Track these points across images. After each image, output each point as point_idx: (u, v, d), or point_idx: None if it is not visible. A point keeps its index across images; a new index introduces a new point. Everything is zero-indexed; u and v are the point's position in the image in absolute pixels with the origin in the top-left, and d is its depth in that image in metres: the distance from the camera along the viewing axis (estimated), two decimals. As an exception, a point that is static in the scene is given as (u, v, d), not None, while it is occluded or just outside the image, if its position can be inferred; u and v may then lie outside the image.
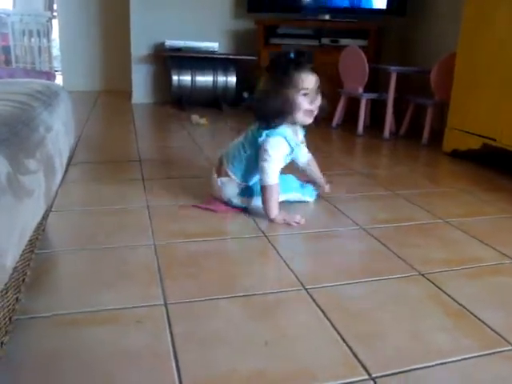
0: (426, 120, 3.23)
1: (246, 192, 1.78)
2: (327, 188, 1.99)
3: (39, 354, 0.96)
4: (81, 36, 5.35)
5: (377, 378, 0.92)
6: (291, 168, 1.89)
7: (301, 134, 1.83)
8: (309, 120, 1.71)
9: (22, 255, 0.94)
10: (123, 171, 2.27)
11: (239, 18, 4.45)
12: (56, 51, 5.94)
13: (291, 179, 1.92)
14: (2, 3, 6.36)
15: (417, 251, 1.50)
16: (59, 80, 5.52)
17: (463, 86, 2.76)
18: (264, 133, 1.69)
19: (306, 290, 1.23)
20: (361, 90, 3.44)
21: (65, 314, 1.09)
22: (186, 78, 4.20)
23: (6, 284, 0.84)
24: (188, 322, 1.07)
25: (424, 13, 3.91)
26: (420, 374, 0.94)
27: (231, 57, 4.33)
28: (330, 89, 1.88)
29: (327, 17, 4.08)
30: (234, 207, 1.79)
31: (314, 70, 1.70)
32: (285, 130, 1.70)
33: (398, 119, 3.59)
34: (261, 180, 1.70)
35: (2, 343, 0.88)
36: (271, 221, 1.68)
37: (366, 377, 0.92)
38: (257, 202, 1.75)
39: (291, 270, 1.33)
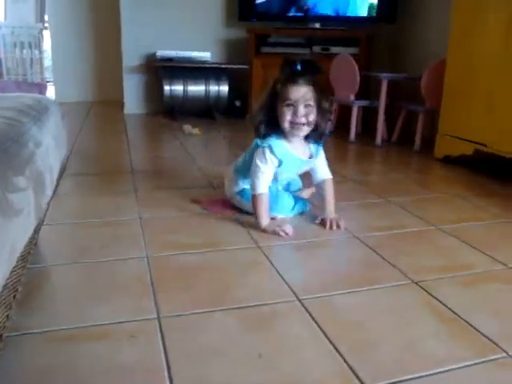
0: (417, 126, 3.24)
1: (243, 194, 1.83)
2: (334, 223, 1.74)
3: (31, 370, 0.95)
4: (72, 47, 5.33)
5: (371, 388, 0.92)
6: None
7: (312, 149, 1.79)
8: (297, 132, 1.68)
9: (12, 271, 0.93)
10: (116, 183, 2.27)
11: (231, 27, 4.46)
12: (48, 62, 5.94)
13: (286, 198, 1.84)
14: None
15: (410, 259, 1.50)
16: (51, 91, 5.52)
17: (453, 92, 2.77)
18: (256, 141, 1.72)
19: (300, 300, 1.23)
20: (352, 97, 3.45)
21: (57, 330, 1.08)
22: (178, 88, 4.20)
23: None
24: (181, 336, 1.07)
25: (413, 20, 3.93)
26: (415, 383, 0.94)
27: (223, 66, 4.34)
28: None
29: (318, 25, 4.10)
30: (232, 209, 1.85)
31: (315, 82, 1.65)
32: (276, 140, 1.69)
33: (389, 126, 3.60)
34: (251, 188, 1.72)
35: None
36: (262, 230, 1.68)
37: (361, 388, 0.92)
38: (249, 207, 1.77)
39: (285, 281, 1.33)
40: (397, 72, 3.82)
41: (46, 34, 5.67)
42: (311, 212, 1.89)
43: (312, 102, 1.65)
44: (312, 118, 1.66)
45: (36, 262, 1.40)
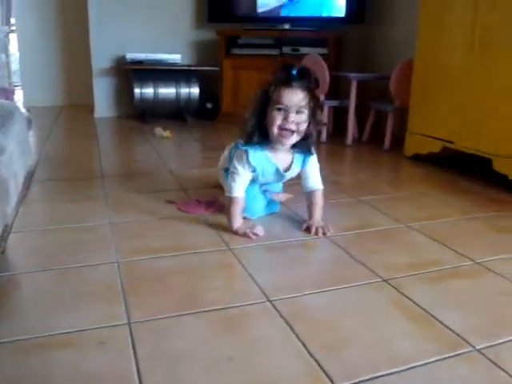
0: (387, 125, 3.28)
1: (227, 174, 1.75)
2: (320, 231, 1.69)
3: (1, 381, 0.93)
4: (40, 50, 5.24)
5: (341, 387, 0.93)
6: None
7: (298, 160, 1.72)
8: (284, 140, 1.61)
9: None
10: (85, 188, 2.24)
11: (200, 28, 4.45)
12: (15, 66, 5.84)
13: (260, 201, 1.85)
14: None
15: (380, 257, 1.52)
16: (19, 95, 5.43)
17: (421, 91, 2.82)
18: (238, 141, 1.70)
19: (271, 301, 1.23)
20: (322, 97, 3.48)
21: (27, 339, 1.06)
22: (149, 91, 4.17)
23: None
24: (152, 341, 1.06)
25: (382, 20, 3.98)
26: (385, 380, 0.95)
27: (193, 68, 4.32)
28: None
29: (287, 26, 4.12)
30: (205, 209, 1.89)
31: (311, 89, 1.58)
32: (255, 146, 1.65)
33: (359, 125, 3.64)
34: (227, 189, 1.71)
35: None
36: (234, 232, 1.68)
37: (331, 387, 0.93)
38: (227, 188, 1.74)
39: (255, 283, 1.33)
40: (366, 72, 3.86)
41: (13, 37, 5.57)
42: (280, 212, 1.90)
43: (305, 110, 1.57)
44: (303, 127, 1.60)
45: (4, 270, 1.38)
